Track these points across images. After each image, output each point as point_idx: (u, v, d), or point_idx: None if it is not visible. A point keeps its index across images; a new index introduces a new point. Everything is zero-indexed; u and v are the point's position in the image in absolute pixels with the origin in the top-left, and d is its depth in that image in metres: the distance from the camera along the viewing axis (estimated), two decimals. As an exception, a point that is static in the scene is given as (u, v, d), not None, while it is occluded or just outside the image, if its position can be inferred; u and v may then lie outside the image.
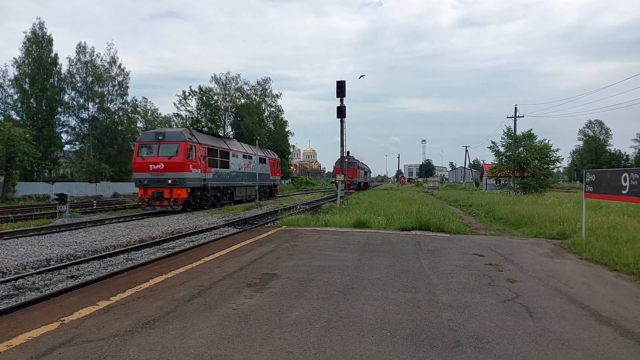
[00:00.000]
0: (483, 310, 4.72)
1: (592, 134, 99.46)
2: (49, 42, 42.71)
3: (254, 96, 62.16)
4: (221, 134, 45.30)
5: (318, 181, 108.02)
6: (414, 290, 5.51)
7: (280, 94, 66.45)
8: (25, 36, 41.59)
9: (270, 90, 65.03)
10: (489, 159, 78.08)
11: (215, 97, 57.64)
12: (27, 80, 40.95)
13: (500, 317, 4.49)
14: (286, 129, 67.77)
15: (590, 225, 10.67)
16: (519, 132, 36.99)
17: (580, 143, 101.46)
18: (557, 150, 35.19)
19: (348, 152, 44.66)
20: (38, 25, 42.30)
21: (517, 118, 37.84)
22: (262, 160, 32.38)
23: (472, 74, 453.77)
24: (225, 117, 58.74)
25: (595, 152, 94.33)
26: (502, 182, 41.25)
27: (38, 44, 41.82)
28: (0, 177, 33.77)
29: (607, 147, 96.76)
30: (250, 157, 29.80)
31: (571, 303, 5.06)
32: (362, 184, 52.71)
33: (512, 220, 15.97)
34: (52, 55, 42.79)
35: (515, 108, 37.97)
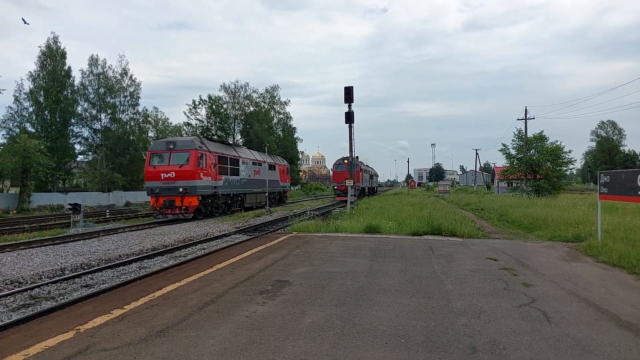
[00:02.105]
0: (499, 315, 4.65)
1: (605, 134, 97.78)
2: (63, 55, 43.67)
3: (262, 104, 62.62)
4: (231, 142, 45.64)
5: (327, 187, 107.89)
6: (428, 296, 5.45)
7: (289, 100, 66.86)
8: (40, 50, 42.66)
9: (279, 98, 65.50)
10: (500, 161, 77.29)
11: (225, 106, 58.26)
12: (41, 93, 41.88)
13: (517, 322, 4.42)
14: (295, 136, 68.01)
15: (606, 227, 10.48)
16: (529, 134, 36.61)
17: (593, 144, 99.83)
18: (570, 151, 34.76)
19: (358, 157, 40.97)
20: (52, 40, 43.38)
21: (527, 120, 37.46)
22: (271, 167, 32.50)
23: (479, 76, 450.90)
24: (234, 125, 59.25)
25: (608, 153, 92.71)
26: (514, 184, 40.79)
27: (52, 58, 42.80)
28: (16, 188, 34.45)
29: (621, 148, 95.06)
30: (260, 164, 29.93)
31: (589, 307, 4.96)
32: (366, 189, 45.67)
33: (526, 223, 15.76)
34: (66, 68, 43.77)
35: (526, 110, 37.62)
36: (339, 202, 35.86)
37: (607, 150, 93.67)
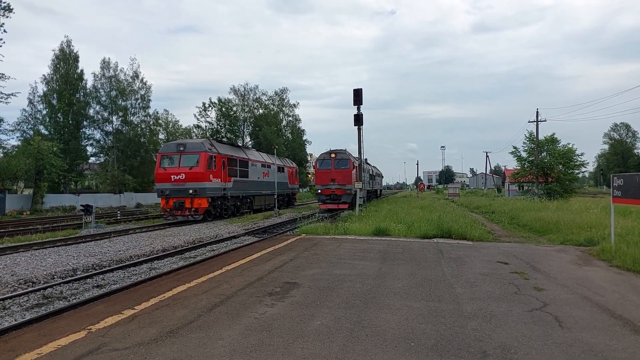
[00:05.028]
0: (510, 319, 4.60)
1: (618, 137, 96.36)
2: (76, 59, 44.34)
3: (271, 106, 62.89)
4: (240, 144, 45.84)
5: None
6: (437, 300, 5.41)
7: (298, 103, 67.12)
8: (54, 54, 43.34)
9: (288, 100, 65.76)
10: (511, 164, 76.44)
11: (234, 108, 58.58)
12: (55, 95, 42.52)
13: (528, 326, 4.37)
14: (303, 138, 68.17)
15: (619, 231, 10.31)
16: (541, 137, 36.24)
17: (606, 147, 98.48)
18: (582, 154, 34.32)
19: (366, 158, 30.36)
20: (65, 43, 44.07)
21: (539, 122, 37.08)
22: (280, 169, 32.57)
23: (489, 78, 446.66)
24: (244, 127, 59.54)
25: (622, 156, 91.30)
26: (526, 188, 40.35)
27: (65, 61, 43.46)
28: (30, 189, 35.02)
29: (635, 151, 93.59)
30: (269, 166, 30.03)
31: (602, 312, 4.88)
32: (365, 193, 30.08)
33: (537, 227, 15.58)
34: (78, 71, 44.40)
35: (537, 112, 37.24)
36: (330, 210, 25.62)
37: (620, 153, 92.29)
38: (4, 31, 27.43)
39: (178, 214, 20.76)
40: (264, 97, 62.30)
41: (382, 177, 60.79)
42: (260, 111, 60.55)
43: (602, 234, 10.90)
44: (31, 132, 40.75)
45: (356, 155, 24.26)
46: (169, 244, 13.43)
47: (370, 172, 38.45)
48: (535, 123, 37.13)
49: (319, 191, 26.78)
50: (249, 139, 58.93)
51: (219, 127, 57.02)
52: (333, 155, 26.56)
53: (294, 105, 66.64)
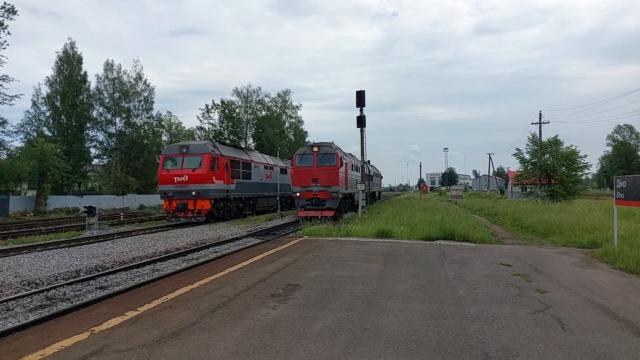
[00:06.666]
0: (512, 321, 4.59)
1: (621, 139, 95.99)
2: (79, 60, 44.55)
3: (274, 108, 62.99)
4: (243, 146, 45.90)
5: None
6: (440, 302, 5.41)
7: (300, 105, 67.21)
8: (58, 56, 43.58)
9: (291, 102, 65.84)
10: (514, 166, 76.36)
11: (237, 110, 58.68)
12: (58, 97, 42.72)
13: (530, 329, 4.36)
14: (306, 140, 68.17)
15: (622, 233, 10.27)
16: (544, 139, 36.18)
17: (609, 148, 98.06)
18: (585, 156, 34.27)
19: (364, 159, 23.17)
20: (69, 45, 44.31)
21: (542, 124, 37.01)
22: (283, 171, 32.60)
23: (491, 80, 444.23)
24: (246, 129, 59.62)
25: (625, 158, 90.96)
26: (529, 189, 40.28)
27: (69, 63, 43.69)
28: (33, 190, 35.18)
29: (639, 152, 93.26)
30: (272, 168, 30.07)
31: (605, 315, 4.87)
32: (354, 196, 25.02)
33: (540, 229, 15.54)
34: (82, 73, 44.60)
35: (540, 114, 37.20)
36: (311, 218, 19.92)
37: (623, 154, 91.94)
38: (8, 33, 27.67)
39: (181, 215, 20.81)
40: (266, 99, 62.47)
41: (381, 177, 56.88)
42: (263, 113, 60.67)
43: (605, 236, 10.87)
44: (34, 134, 40.94)
45: (347, 150, 19.77)
46: (171, 246, 13.46)
47: (369, 173, 32.93)
48: (538, 125, 37.08)
49: (298, 194, 21.12)
50: (251, 141, 59.01)
51: (222, 129, 57.12)
52: (315, 149, 21.39)
53: (297, 107, 66.73)
